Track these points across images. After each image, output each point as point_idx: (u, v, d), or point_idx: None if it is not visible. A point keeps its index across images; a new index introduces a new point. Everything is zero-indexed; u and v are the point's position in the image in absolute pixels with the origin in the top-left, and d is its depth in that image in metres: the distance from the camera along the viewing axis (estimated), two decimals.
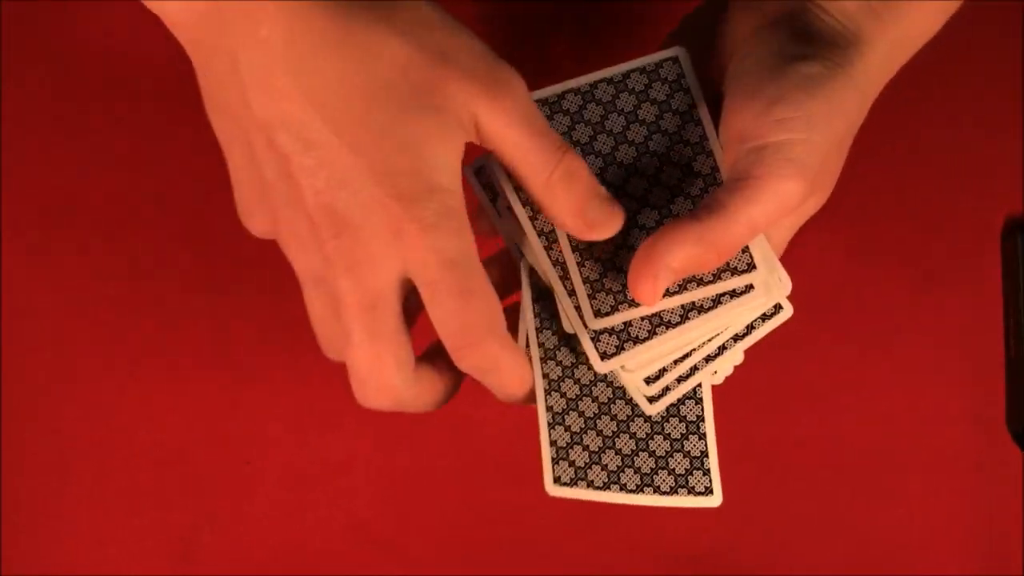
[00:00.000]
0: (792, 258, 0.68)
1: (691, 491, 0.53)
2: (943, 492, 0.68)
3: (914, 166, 0.69)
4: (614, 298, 0.51)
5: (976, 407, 0.68)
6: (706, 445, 0.53)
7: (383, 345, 0.48)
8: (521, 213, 0.52)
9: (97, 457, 0.69)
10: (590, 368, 0.53)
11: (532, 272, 0.53)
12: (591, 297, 0.51)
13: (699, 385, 0.53)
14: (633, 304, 0.51)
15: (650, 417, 0.53)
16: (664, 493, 0.53)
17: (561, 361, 0.53)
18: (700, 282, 0.51)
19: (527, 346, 0.53)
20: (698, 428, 0.53)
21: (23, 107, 0.70)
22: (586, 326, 0.51)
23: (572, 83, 0.53)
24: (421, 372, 0.50)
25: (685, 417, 0.53)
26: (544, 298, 0.53)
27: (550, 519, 0.69)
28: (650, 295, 0.49)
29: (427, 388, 0.51)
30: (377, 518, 0.69)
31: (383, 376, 0.48)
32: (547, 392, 0.53)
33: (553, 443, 0.53)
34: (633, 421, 0.53)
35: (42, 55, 0.70)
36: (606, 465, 0.53)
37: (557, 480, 0.53)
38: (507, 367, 0.51)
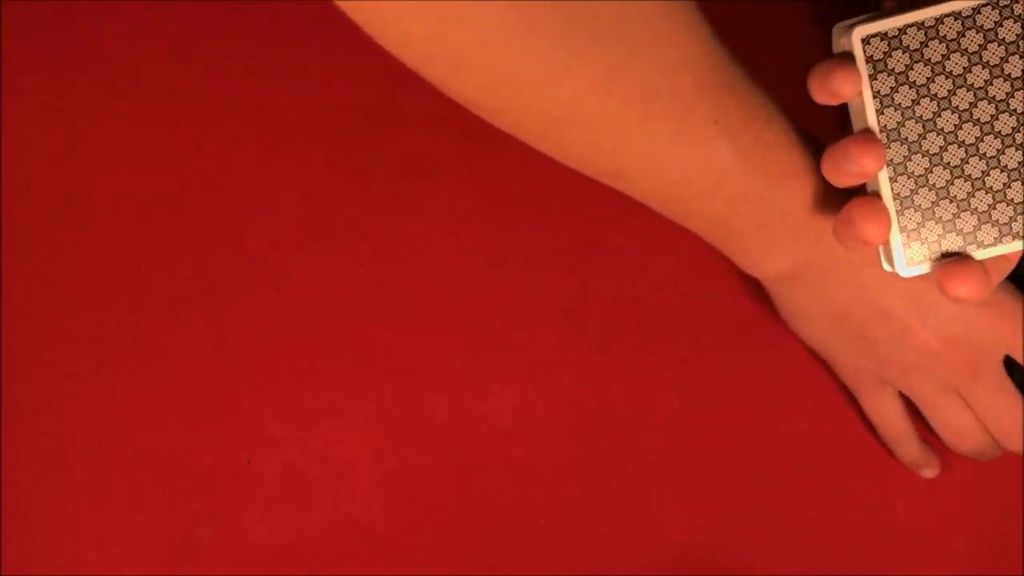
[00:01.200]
0: None
1: None
2: (943, 492, 0.68)
3: None
4: (928, 248, 0.55)
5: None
6: None
7: (1019, 408, 0.64)
8: (870, 104, 0.53)
9: (97, 457, 0.69)
10: (940, 133, 0.54)
11: (867, 42, 0.53)
12: (905, 246, 0.55)
13: None
14: (944, 258, 0.55)
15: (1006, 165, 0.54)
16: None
17: (906, 138, 0.54)
18: None
19: (867, 129, 0.54)
20: None
21: (23, 107, 0.70)
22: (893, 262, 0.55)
23: (916, 15, 0.52)
24: None
25: None
26: (881, 73, 0.53)
27: (550, 519, 0.69)
28: None
29: None
30: (377, 518, 0.69)
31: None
32: (892, 179, 0.54)
33: (903, 228, 0.55)
34: (989, 176, 0.54)
35: (42, 55, 0.70)
36: (961, 229, 0.54)
37: (911, 262, 0.55)
38: None
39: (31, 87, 0.70)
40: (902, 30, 0.52)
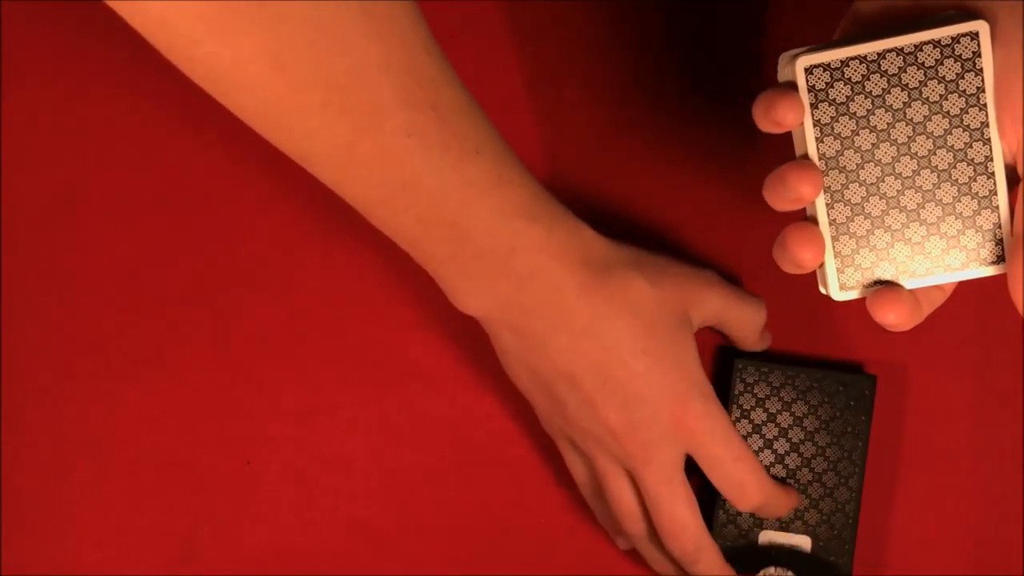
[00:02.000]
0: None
1: (983, 262, 0.55)
2: (943, 492, 0.68)
3: None
4: (862, 274, 0.55)
5: (976, 407, 0.68)
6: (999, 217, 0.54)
7: (682, 503, 0.62)
8: (810, 132, 0.54)
9: (97, 457, 0.69)
10: (878, 164, 0.54)
11: (809, 72, 0.53)
12: (839, 271, 0.55)
13: (991, 158, 0.54)
14: (877, 285, 0.55)
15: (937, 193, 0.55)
16: (955, 270, 0.55)
17: (844, 166, 0.54)
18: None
19: (807, 156, 0.54)
20: (991, 202, 0.54)
21: (23, 107, 0.70)
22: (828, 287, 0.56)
23: (858, 48, 0.53)
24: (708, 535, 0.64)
25: (977, 193, 0.54)
26: (823, 102, 0.53)
27: (550, 519, 0.69)
28: None
29: (713, 545, 0.64)
30: (377, 518, 0.69)
31: (688, 525, 0.62)
32: (829, 206, 0.55)
33: (838, 254, 0.55)
34: (924, 208, 0.55)
35: (42, 55, 0.70)
36: (895, 259, 0.55)
37: (844, 287, 0.55)
38: (781, 501, 0.64)
39: (31, 87, 0.70)
40: (844, 62, 0.53)
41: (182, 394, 0.69)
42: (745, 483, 0.62)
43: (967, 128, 0.53)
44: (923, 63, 0.53)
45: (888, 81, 0.53)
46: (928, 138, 0.53)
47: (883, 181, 0.54)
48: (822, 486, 0.65)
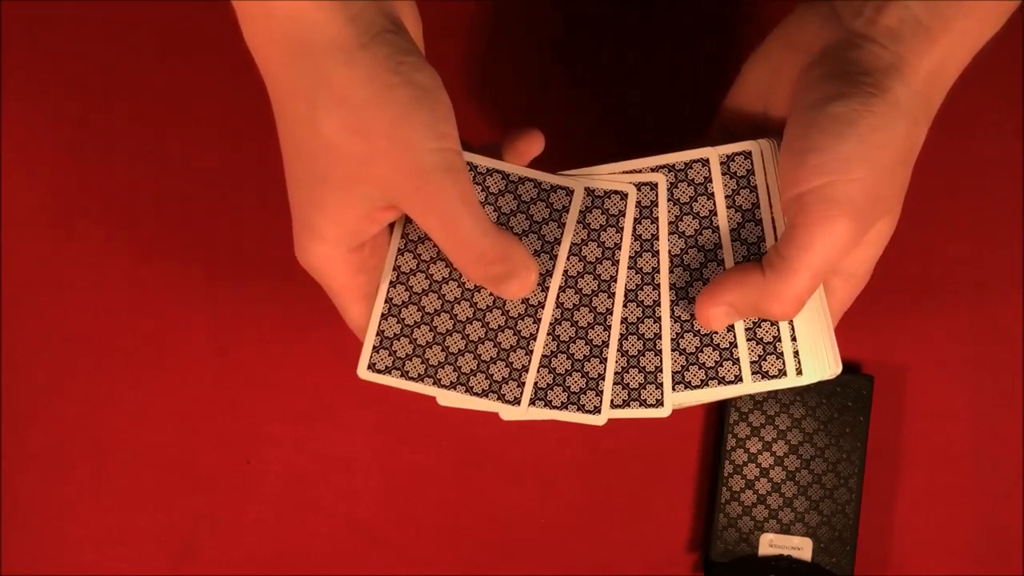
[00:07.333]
0: None
1: (502, 399, 0.54)
2: (943, 492, 0.68)
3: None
4: (392, 361, 0.55)
5: (975, 407, 0.68)
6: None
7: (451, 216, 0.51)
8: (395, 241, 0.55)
9: (97, 457, 0.69)
10: (448, 266, 0.54)
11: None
12: (375, 350, 0.55)
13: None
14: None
15: (491, 330, 0.55)
16: (478, 395, 0.54)
17: (420, 255, 0.54)
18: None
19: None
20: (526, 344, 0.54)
21: (23, 107, 0.70)
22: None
23: (507, 167, 0.53)
24: None
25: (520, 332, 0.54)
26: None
27: (550, 519, 0.69)
28: (709, 321, 0.53)
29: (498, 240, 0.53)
30: (377, 518, 0.69)
31: (464, 236, 0.52)
32: (392, 284, 0.55)
33: (380, 332, 0.55)
34: (471, 324, 0.54)
35: (42, 55, 0.70)
36: (427, 360, 0.55)
37: (372, 367, 0.55)
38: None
39: (31, 87, 0.70)
40: (489, 172, 0.53)
41: (182, 394, 0.69)
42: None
43: (597, 279, 0.54)
44: (552, 203, 0.53)
45: (518, 206, 0.53)
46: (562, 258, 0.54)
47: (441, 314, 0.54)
48: (822, 487, 0.66)
